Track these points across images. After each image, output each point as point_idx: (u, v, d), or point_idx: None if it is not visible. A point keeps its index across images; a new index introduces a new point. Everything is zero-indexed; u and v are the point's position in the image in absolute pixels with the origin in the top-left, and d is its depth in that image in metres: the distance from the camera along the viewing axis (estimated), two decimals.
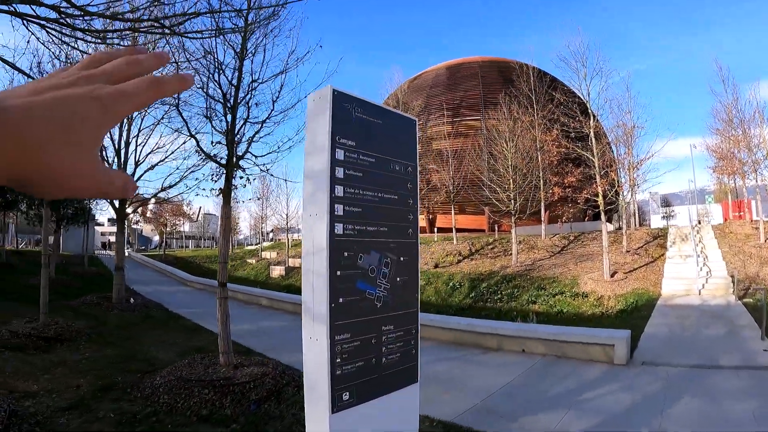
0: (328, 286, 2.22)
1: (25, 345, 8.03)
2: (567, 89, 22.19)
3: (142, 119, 14.19)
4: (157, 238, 66.85)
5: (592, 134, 18.65)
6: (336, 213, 2.29)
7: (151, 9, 4.93)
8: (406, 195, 2.74)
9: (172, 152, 14.56)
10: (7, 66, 5.57)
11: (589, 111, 19.32)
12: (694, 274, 15.38)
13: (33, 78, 7.62)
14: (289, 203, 35.87)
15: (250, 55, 6.96)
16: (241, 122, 7.04)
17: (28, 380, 6.29)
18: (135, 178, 14.28)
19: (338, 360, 2.26)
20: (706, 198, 35.96)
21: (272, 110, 7.25)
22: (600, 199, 18.51)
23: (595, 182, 18.80)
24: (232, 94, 6.93)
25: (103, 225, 65.04)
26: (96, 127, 0.42)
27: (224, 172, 6.98)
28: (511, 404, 5.78)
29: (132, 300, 15.02)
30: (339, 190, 2.31)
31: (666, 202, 42.96)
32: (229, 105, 6.90)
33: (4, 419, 4.58)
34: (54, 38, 5.21)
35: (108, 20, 5.23)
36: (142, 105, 0.46)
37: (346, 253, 2.33)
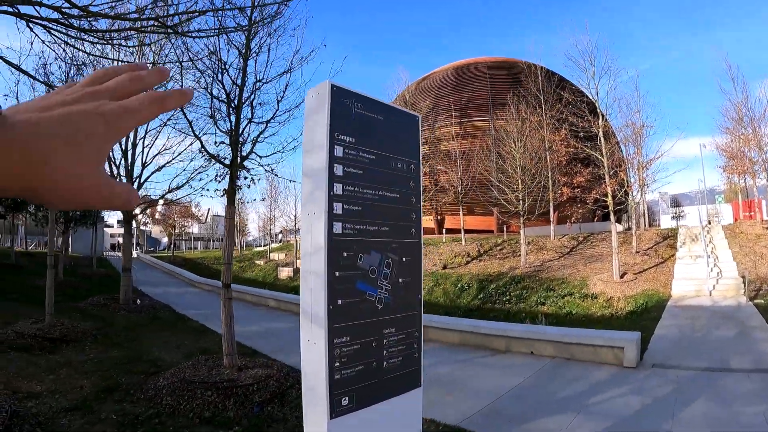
0: (326, 287, 2.15)
1: (31, 345, 8.03)
2: (575, 89, 22.05)
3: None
4: (165, 239, 67.15)
5: (601, 133, 18.47)
6: (335, 212, 2.21)
7: (153, 8, 4.88)
8: (409, 193, 2.66)
9: (179, 154, 14.55)
10: (12, 68, 5.56)
11: (598, 110, 19.15)
12: (704, 275, 15.18)
13: (38, 80, 7.62)
14: (297, 204, 35.96)
15: (254, 54, 6.91)
16: (246, 122, 7.00)
17: (32, 381, 6.28)
18: (142, 180, 14.53)
19: (337, 364, 2.18)
20: (716, 198, 35.61)
21: (277, 110, 7.20)
22: (609, 200, 18.32)
23: (604, 182, 18.61)
24: (237, 94, 6.89)
25: (112, 227, 65.36)
26: (101, 143, 0.44)
27: (228, 172, 6.94)
28: (519, 407, 5.68)
29: (139, 301, 15.03)
30: (338, 188, 2.23)
31: (675, 202, 42.61)
32: (233, 105, 6.86)
33: (5, 420, 4.56)
34: (57, 39, 5.18)
35: (111, 20, 5.18)
36: (145, 120, 0.48)
37: (345, 253, 2.25)
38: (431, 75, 41.11)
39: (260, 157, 7.41)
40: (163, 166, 14.92)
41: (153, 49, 10.95)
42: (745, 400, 5.67)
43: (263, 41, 6.98)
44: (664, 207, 39.73)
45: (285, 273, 28.65)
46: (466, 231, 27.11)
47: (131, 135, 14.02)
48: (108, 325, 11.10)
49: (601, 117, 18.91)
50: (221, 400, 5.39)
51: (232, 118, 6.85)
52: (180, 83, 7.71)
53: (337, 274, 2.20)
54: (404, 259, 2.59)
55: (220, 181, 7.25)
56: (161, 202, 19.09)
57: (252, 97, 7.01)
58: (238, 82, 6.86)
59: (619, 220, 23.42)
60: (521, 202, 21.62)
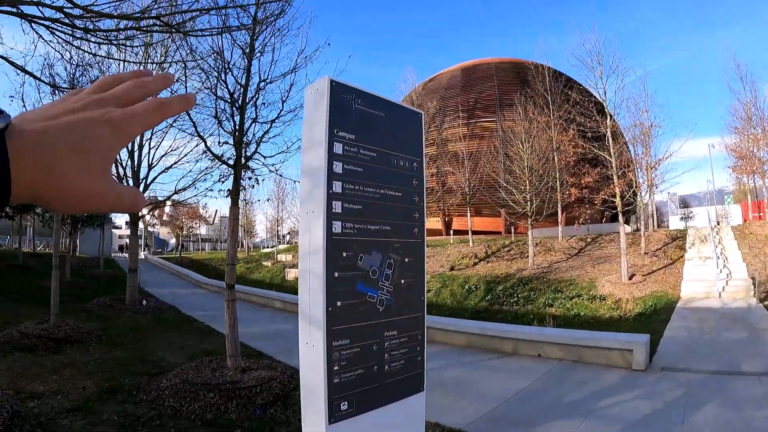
0: (325, 288, 2.07)
1: (35, 346, 8.03)
2: (583, 89, 21.95)
3: None
4: (173, 240, 67.47)
5: (609, 134, 18.33)
6: (334, 210, 2.14)
7: (157, 8, 4.85)
8: (412, 192, 2.59)
9: (185, 155, 14.54)
10: (18, 70, 5.54)
11: (606, 110, 19.01)
12: (713, 276, 15.00)
13: (43, 81, 7.63)
14: None
15: (258, 54, 6.87)
16: (250, 122, 6.96)
17: (35, 381, 6.27)
18: (148, 181, 14.56)
19: (336, 367, 2.11)
20: (725, 198, 35.35)
21: (281, 110, 7.16)
22: (617, 200, 18.16)
23: (613, 183, 18.46)
24: (241, 94, 6.85)
25: (120, 228, 65.76)
26: (107, 149, 0.45)
27: (233, 172, 6.90)
28: (526, 411, 5.59)
29: (145, 302, 15.04)
30: (337, 186, 2.16)
31: (684, 203, 42.35)
32: (237, 105, 6.82)
33: (5, 420, 4.53)
34: (60, 39, 5.15)
35: (113, 20, 5.15)
36: (150, 125, 0.49)
37: (344, 254, 2.18)
38: (438, 76, 41.09)
39: (264, 157, 7.38)
40: (170, 167, 14.94)
41: (157, 49, 10.92)
42: (756, 404, 5.56)
43: (267, 40, 6.94)
44: (673, 208, 39.48)
45: (292, 274, 28.65)
46: (474, 232, 27.03)
47: (138, 137, 14.01)
48: (113, 325, 11.09)
49: (609, 117, 18.77)
50: (223, 402, 5.34)
51: (236, 118, 6.81)
52: (184, 84, 7.69)
53: (336, 274, 2.13)
54: (407, 259, 2.52)
55: (223, 182, 7.22)
56: (168, 203, 19.13)
57: (256, 96, 6.97)
58: (242, 81, 6.82)
59: (627, 222, 23.24)
60: (529, 203, 21.50)
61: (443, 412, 5.41)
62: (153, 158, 14.77)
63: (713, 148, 28.00)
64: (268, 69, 7.08)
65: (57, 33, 4.92)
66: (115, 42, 5.59)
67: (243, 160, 6.90)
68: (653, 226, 28.35)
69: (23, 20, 4.69)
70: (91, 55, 7.54)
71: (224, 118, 6.87)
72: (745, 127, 22.11)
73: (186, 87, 7.79)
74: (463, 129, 33.08)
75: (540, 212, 22.23)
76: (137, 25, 4.84)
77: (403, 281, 2.48)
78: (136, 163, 14.26)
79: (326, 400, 2.07)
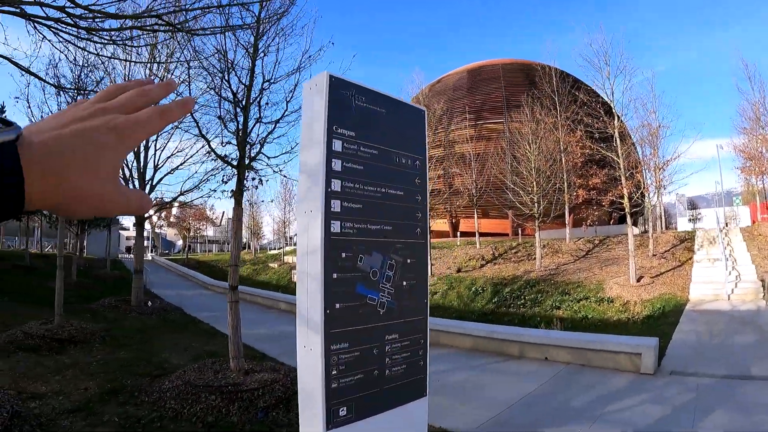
0: (323, 290, 2.00)
1: (39, 346, 8.03)
2: (590, 90, 21.80)
3: None
4: (180, 242, 67.65)
5: (616, 134, 18.18)
6: (332, 209, 2.07)
7: (159, 7, 4.80)
8: (414, 191, 2.51)
9: (191, 156, 14.53)
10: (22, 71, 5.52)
11: (614, 111, 18.86)
12: (722, 279, 14.80)
13: (47, 82, 7.64)
14: None
15: (261, 54, 6.82)
16: (254, 122, 6.92)
17: (38, 381, 6.26)
18: (154, 182, 14.57)
19: (334, 372, 2.04)
20: (733, 200, 35.06)
21: (286, 110, 7.11)
22: (625, 201, 17.99)
23: (621, 184, 18.28)
24: (245, 94, 6.80)
25: (128, 229, 65.91)
26: (114, 155, 0.47)
27: (236, 173, 6.85)
28: (532, 416, 5.50)
29: (150, 303, 15.03)
30: (336, 185, 2.09)
31: (692, 204, 42.10)
32: (240, 105, 6.77)
33: (5, 420, 4.50)
34: (63, 40, 5.12)
35: (116, 20, 5.11)
36: (153, 132, 0.51)
37: (344, 254, 2.11)
38: (445, 78, 41.02)
39: (269, 158, 7.34)
40: (176, 168, 14.96)
41: (162, 50, 10.91)
42: (767, 409, 5.44)
43: (271, 40, 6.90)
44: (681, 209, 39.27)
45: None
46: (481, 234, 26.91)
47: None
48: (118, 326, 11.09)
49: (616, 118, 18.62)
50: (225, 404, 5.29)
51: (240, 118, 6.78)
52: (188, 86, 7.68)
53: (334, 276, 2.06)
54: (409, 260, 2.44)
55: (227, 182, 7.18)
56: (175, 204, 19.15)
57: (260, 97, 6.93)
58: (246, 81, 6.77)
59: (635, 223, 23.08)
60: (536, 204, 21.35)
61: (447, 417, 5.33)
62: (159, 159, 14.80)
63: (722, 149, 27.73)
64: (272, 69, 7.05)
65: (60, 33, 4.89)
66: (119, 42, 5.56)
67: (247, 161, 6.86)
68: (661, 228, 28.12)
69: (27, 21, 4.67)
70: (95, 56, 7.52)
71: (228, 119, 6.84)
72: (754, 128, 21.89)
73: (190, 88, 7.78)
74: (470, 130, 32.93)
75: (547, 214, 22.08)
76: (139, 24, 4.79)
77: (404, 283, 2.40)
78: (142, 164, 14.28)
79: (324, 406, 2.00)
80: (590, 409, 5.71)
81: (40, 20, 4.64)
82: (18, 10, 4.58)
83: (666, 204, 34.95)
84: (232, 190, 6.90)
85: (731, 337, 9.68)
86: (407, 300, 2.41)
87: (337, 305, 2.06)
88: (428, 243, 2.62)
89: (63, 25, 4.66)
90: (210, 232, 67.44)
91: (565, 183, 22.63)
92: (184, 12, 4.82)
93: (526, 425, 5.21)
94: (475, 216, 27.38)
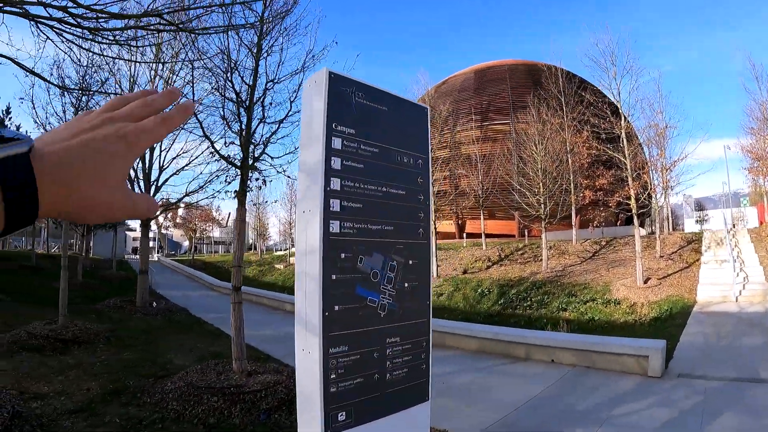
0: (321, 291, 1.95)
1: (43, 346, 8.04)
2: (596, 90, 21.69)
3: None
4: (186, 243, 67.87)
5: (623, 135, 18.06)
6: (331, 209, 2.02)
7: (161, 6, 4.78)
8: (417, 190, 2.45)
9: (196, 157, 14.52)
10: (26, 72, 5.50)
11: (620, 111, 18.73)
12: (730, 280, 14.68)
13: (51, 83, 7.64)
14: None
15: (265, 54, 6.79)
16: (257, 122, 6.88)
17: (40, 381, 6.25)
18: (159, 183, 14.57)
19: (333, 376, 1.98)
20: (740, 201, 34.82)
21: (290, 110, 7.08)
22: (632, 202, 17.87)
23: (627, 185, 18.15)
24: (248, 94, 6.77)
25: (134, 230, 66.16)
26: (123, 162, 0.49)
27: (239, 174, 6.82)
28: (538, 419, 5.43)
29: (155, 304, 15.04)
30: (335, 183, 2.04)
31: (699, 205, 41.83)
32: (244, 105, 6.74)
33: (5, 420, 4.48)
34: (66, 40, 5.10)
35: (119, 20, 5.09)
36: (158, 139, 0.54)
37: (343, 255, 2.05)
38: (451, 79, 41.01)
39: (272, 158, 7.30)
40: (181, 169, 14.95)
41: (166, 50, 10.91)
42: None
43: (275, 40, 6.86)
44: (688, 210, 39.02)
45: None
46: (487, 235, 26.86)
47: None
48: (122, 327, 11.10)
49: (623, 118, 18.50)
50: (227, 406, 5.25)
51: (243, 118, 6.74)
52: (192, 87, 7.67)
53: (333, 277, 2.00)
54: (411, 261, 2.38)
55: (230, 183, 7.15)
56: (181, 205, 19.17)
57: (264, 97, 6.89)
58: (249, 81, 6.74)
59: (642, 224, 22.91)
60: (543, 205, 21.26)
61: (453, 419, 5.28)
62: (164, 161, 14.81)
63: (729, 149, 27.51)
64: (276, 69, 7.02)
65: (63, 34, 4.87)
66: (122, 42, 5.53)
67: (250, 161, 6.83)
68: (668, 229, 27.93)
69: (29, 21, 4.65)
70: (100, 56, 7.52)
71: (232, 119, 6.81)
72: (762, 128, 21.66)
73: (194, 89, 7.77)
74: (476, 132, 32.89)
75: (554, 215, 21.99)
76: (140, 24, 4.76)
77: (406, 285, 2.35)
78: (147, 165, 14.29)
79: (322, 410, 1.95)
80: (597, 411, 5.64)
81: (42, 20, 4.62)
82: (20, 11, 4.56)
83: (673, 205, 34.74)
84: (236, 191, 6.87)
85: (739, 339, 9.58)
86: (409, 302, 2.35)
87: (336, 307, 2.00)
88: (431, 244, 2.56)
89: (66, 26, 4.64)
90: (216, 233, 67.70)
91: (572, 184, 22.49)
92: (186, 11, 4.78)
93: (532, 428, 5.14)
94: (482, 217, 27.32)
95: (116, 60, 9.66)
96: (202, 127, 6.93)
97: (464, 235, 30.98)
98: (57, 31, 4.77)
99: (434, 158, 24.59)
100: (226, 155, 6.94)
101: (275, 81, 6.94)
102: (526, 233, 26.66)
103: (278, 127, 7.10)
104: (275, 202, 38.12)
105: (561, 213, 22.32)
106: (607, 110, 19.10)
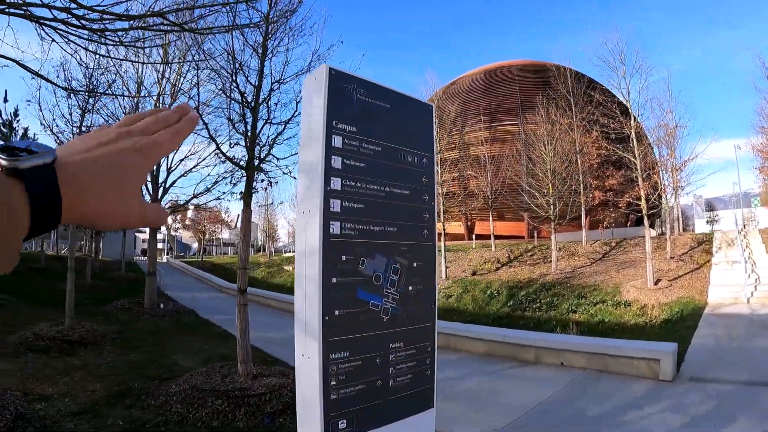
0: (321, 295, 1.88)
1: (49, 347, 8.05)
2: (605, 90, 21.54)
3: None
4: (196, 244, 68.15)
5: (633, 135, 17.88)
6: (332, 209, 1.95)
7: (168, 7, 4.74)
8: (421, 190, 2.38)
9: (204, 159, 14.52)
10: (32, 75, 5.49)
11: (630, 111, 18.56)
12: (741, 281, 14.45)
13: (58, 86, 7.64)
14: None
15: (270, 54, 6.75)
16: (263, 123, 6.84)
17: (45, 383, 6.24)
18: (167, 185, 14.60)
19: (333, 382, 1.91)
20: (751, 201, 34.45)
21: (296, 111, 7.03)
22: (642, 203, 17.68)
23: (637, 185, 17.97)
24: (254, 95, 6.73)
25: (144, 232, 66.51)
26: (139, 173, 0.52)
27: (245, 175, 6.78)
28: (548, 423, 5.33)
29: (162, 305, 15.04)
30: (336, 183, 1.97)
31: (710, 206, 41.48)
32: (250, 106, 6.70)
33: (8, 422, 4.45)
34: (69, 41, 5.07)
35: (122, 20, 5.05)
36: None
37: (344, 257, 1.98)
38: (459, 80, 40.96)
39: (278, 159, 7.25)
40: (189, 171, 14.97)
41: (172, 52, 10.90)
42: None
43: (280, 40, 6.82)
44: (699, 211, 38.71)
45: None
46: (496, 237, 26.74)
47: None
48: (130, 328, 11.10)
49: (633, 118, 18.33)
50: (231, 409, 5.19)
51: (249, 119, 6.69)
52: (198, 88, 7.66)
53: (334, 280, 1.93)
54: (415, 264, 2.31)
55: (235, 184, 7.11)
56: (190, 207, 19.22)
57: (269, 97, 6.85)
58: (255, 82, 6.70)
59: (652, 225, 22.67)
60: (552, 206, 21.11)
61: (461, 423, 5.22)
62: (172, 163, 14.82)
63: (739, 149, 27.17)
64: (282, 69, 6.98)
65: (66, 35, 4.84)
66: (126, 43, 5.50)
67: (256, 162, 6.78)
68: (679, 230, 27.64)
69: (33, 23, 4.62)
70: (106, 58, 7.51)
71: (237, 120, 6.77)
72: None
73: (199, 91, 7.74)
74: (485, 132, 32.79)
75: (563, 216, 21.83)
76: (143, 24, 4.72)
77: (411, 288, 2.27)
78: (154, 167, 14.30)
79: (322, 418, 1.87)
80: (608, 416, 5.53)
81: (46, 22, 4.59)
82: (23, 12, 4.54)
83: (683, 206, 34.38)
84: (241, 192, 6.83)
85: (751, 341, 9.42)
86: (413, 305, 2.28)
87: (337, 311, 1.93)
88: (436, 245, 2.48)
89: (70, 27, 4.61)
90: (225, 234, 67.87)
91: (581, 184, 22.30)
92: (189, 11, 4.74)
93: None
94: (491, 218, 27.23)
95: (122, 62, 9.63)
96: (207, 129, 6.91)
97: (473, 236, 30.91)
98: (61, 32, 4.75)
99: (443, 159, 24.53)
100: (231, 157, 6.89)
101: (281, 81, 6.91)
102: (536, 234, 26.51)
103: (284, 128, 7.06)
104: (281, 203, 38.16)
105: (570, 214, 22.16)
106: (616, 110, 18.95)
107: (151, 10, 4.33)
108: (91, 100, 10.98)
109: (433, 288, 2.43)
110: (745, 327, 10.81)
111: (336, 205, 1.96)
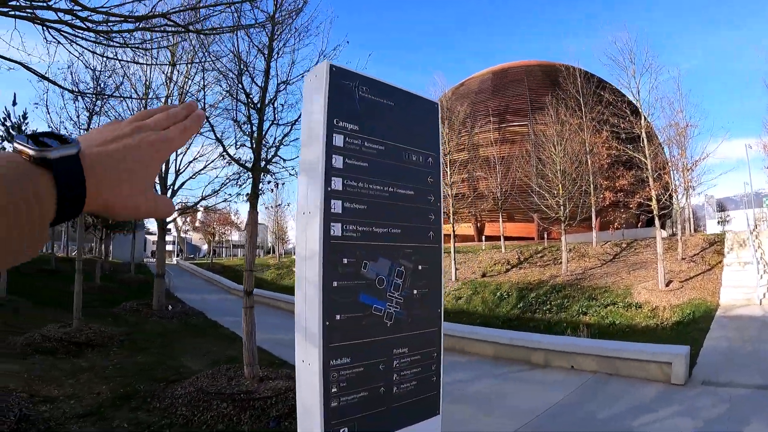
0: (321, 299, 1.81)
1: (56, 349, 8.07)
2: (615, 90, 21.37)
3: None
4: (205, 246, 68.41)
5: (643, 134, 17.70)
6: (332, 210, 1.88)
7: (170, 9, 4.71)
8: (426, 190, 2.30)
9: (212, 161, 14.54)
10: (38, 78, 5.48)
11: (640, 111, 18.38)
12: (754, 283, 14.27)
13: (65, 89, 7.64)
14: None
15: (276, 55, 6.70)
16: (269, 124, 6.79)
17: (52, 384, 6.24)
18: (176, 187, 14.64)
19: (334, 389, 1.85)
20: (763, 201, 34.03)
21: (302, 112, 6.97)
22: (653, 203, 17.49)
23: (648, 185, 17.78)
24: (260, 96, 6.69)
25: (154, 234, 66.88)
26: (153, 168, 0.55)
27: (251, 176, 6.74)
28: (558, 427, 5.24)
29: (171, 307, 15.07)
30: (336, 183, 1.90)
31: (721, 206, 41.08)
32: (255, 107, 6.66)
33: (12, 423, 4.43)
34: (74, 42, 5.05)
35: (126, 22, 5.03)
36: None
37: (345, 260, 1.92)
38: (468, 81, 40.87)
39: (284, 160, 7.21)
40: (197, 173, 15.00)
41: (180, 54, 10.90)
42: None
43: (286, 41, 6.78)
44: (710, 211, 38.31)
45: None
46: (506, 238, 26.61)
47: None
48: (138, 330, 11.11)
49: (643, 118, 18.15)
50: (237, 412, 5.15)
51: (255, 120, 6.65)
52: (204, 89, 7.63)
53: (335, 284, 1.87)
54: (420, 267, 2.24)
55: (242, 186, 7.08)
56: (200, 209, 19.27)
57: (275, 98, 6.81)
58: (260, 83, 6.66)
59: (663, 226, 22.44)
60: (562, 207, 20.94)
61: (470, 427, 5.14)
62: (180, 164, 14.86)
63: (750, 148, 26.82)
64: (288, 70, 6.94)
65: (71, 37, 4.82)
66: (131, 45, 5.48)
67: (262, 163, 6.74)
68: (690, 231, 27.32)
69: (36, 25, 4.61)
70: (113, 60, 7.51)
71: (243, 121, 6.73)
72: None
73: (204, 94, 7.72)
74: (494, 133, 32.73)
75: (573, 217, 21.65)
76: (147, 25, 4.69)
77: (416, 292, 2.20)
78: (163, 169, 14.34)
79: (322, 426, 1.81)
80: (618, 420, 5.43)
81: (51, 24, 4.57)
82: (28, 15, 4.52)
83: (694, 206, 34.03)
84: (248, 194, 6.79)
85: (764, 343, 9.25)
86: (418, 310, 2.21)
87: (338, 316, 1.87)
88: (442, 247, 2.41)
89: (75, 29, 4.59)
90: (235, 236, 68.06)
91: (591, 185, 22.12)
92: (194, 12, 4.70)
93: None
94: (500, 220, 27.11)
95: (130, 64, 9.64)
96: (214, 131, 6.90)
97: (483, 237, 30.77)
98: (65, 35, 4.73)
99: (452, 161, 24.43)
100: (238, 159, 6.86)
101: (287, 82, 6.86)
102: (546, 236, 26.33)
103: (291, 129, 7.02)
104: (288, 205, 38.06)
105: (581, 215, 21.98)
106: (626, 109, 18.79)
107: (153, 11, 4.29)
108: (98, 103, 11.02)
109: (439, 291, 2.36)
110: (757, 329, 10.64)
111: (337, 206, 1.90)
